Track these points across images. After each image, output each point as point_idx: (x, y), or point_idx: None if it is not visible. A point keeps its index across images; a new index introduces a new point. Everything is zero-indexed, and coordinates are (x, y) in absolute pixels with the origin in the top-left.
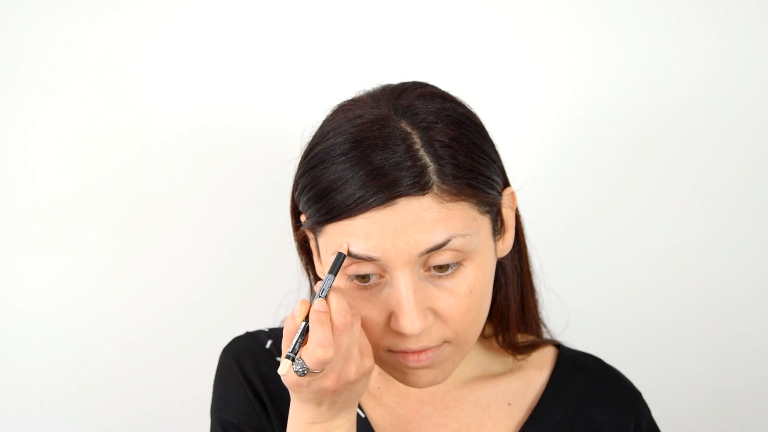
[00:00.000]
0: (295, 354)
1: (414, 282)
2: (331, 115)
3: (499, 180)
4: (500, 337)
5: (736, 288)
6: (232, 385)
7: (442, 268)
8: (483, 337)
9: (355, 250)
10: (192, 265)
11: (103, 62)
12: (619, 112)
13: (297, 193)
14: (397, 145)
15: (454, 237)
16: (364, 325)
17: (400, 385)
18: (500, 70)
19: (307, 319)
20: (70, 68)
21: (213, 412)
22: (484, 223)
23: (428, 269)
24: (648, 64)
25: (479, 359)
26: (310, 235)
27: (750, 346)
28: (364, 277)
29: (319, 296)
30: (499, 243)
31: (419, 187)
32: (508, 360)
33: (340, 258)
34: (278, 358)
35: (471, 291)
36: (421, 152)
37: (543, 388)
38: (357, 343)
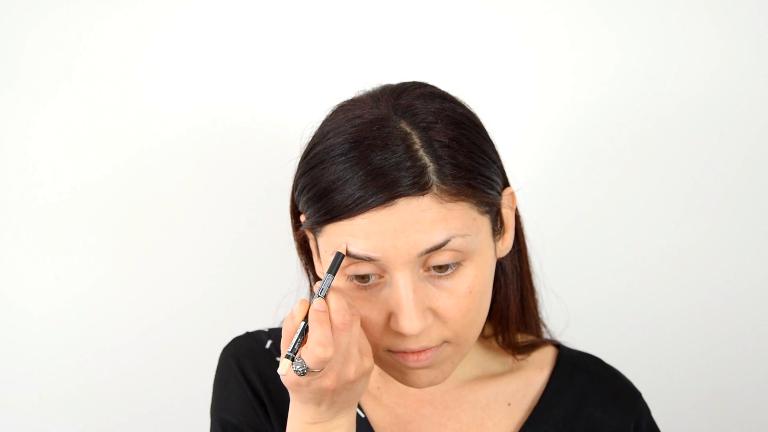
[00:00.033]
0: (295, 354)
1: (413, 282)
2: (331, 115)
3: (498, 180)
4: (500, 337)
5: (736, 288)
6: (232, 385)
7: (441, 268)
8: (483, 337)
9: (354, 250)
10: (192, 265)
11: (103, 62)
12: (619, 112)
13: (297, 193)
14: (397, 145)
15: (454, 237)
16: (364, 325)
17: (400, 385)
18: (500, 70)
19: (306, 318)
20: (70, 68)
21: (213, 412)
22: (484, 223)
23: (428, 269)
24: (648, 64)
25: (479, 359)
26: (310, 235)
27: (750, 346)
28: (363, 278)
29: (318, 296)
30: (499, 243)
31: (419, 187)
32: (508, 360)
33: (338, 258)
34: (278, 358)
35: (471, 291)
36: (421, 152)
37: (543, 388)
38: (356, 343)
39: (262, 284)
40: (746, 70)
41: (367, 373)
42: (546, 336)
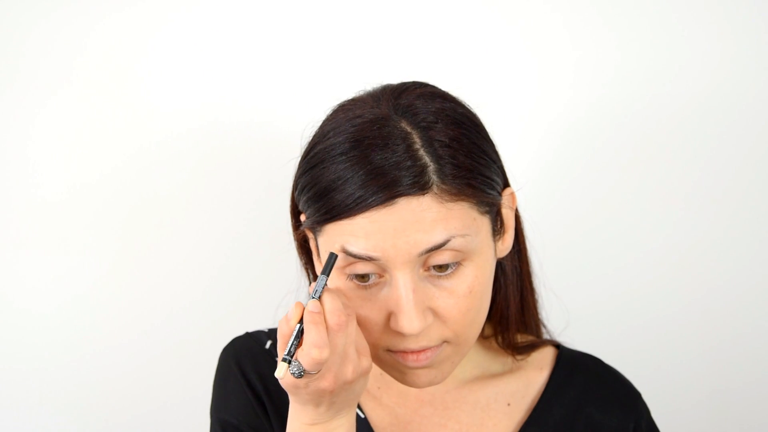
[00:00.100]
0: (291, 356)
1: (413, 282)
2: (331, 115)
3: (498, 180)
4: (500, 338)
5: (736, 288)
6: (232, 385)
7: (441, 267)
8: (482, 337)
9: (354, 249)
10: (192, 265)
11: (103, 62)
12: (619, 112)
13: (297, 192)
14: (397, 144)
15: (454, 237)
16: (363, 325)
17: (400, 385)
18: (500, 70)
19: (301, 321)
20: (70, 68)
21: (212, 412)
22: (484, 223)
23: (428, 269)
24: (648, 64)
25: (479, 359)
26: (310, 235)
27: (750, 346)
28: (363, 277)
29: (313, 297)
30: (499, 243)
31: (419, 186)
32: (508, 360)
33: (332, 258)
34: (277, 359)
35: (470, 291)
36: (421, 152)
37: (542, 389)
38: (353, 343)
39: (262, 284)
40: (746, 70)
41: (365, 373)
42: (546, 336)
